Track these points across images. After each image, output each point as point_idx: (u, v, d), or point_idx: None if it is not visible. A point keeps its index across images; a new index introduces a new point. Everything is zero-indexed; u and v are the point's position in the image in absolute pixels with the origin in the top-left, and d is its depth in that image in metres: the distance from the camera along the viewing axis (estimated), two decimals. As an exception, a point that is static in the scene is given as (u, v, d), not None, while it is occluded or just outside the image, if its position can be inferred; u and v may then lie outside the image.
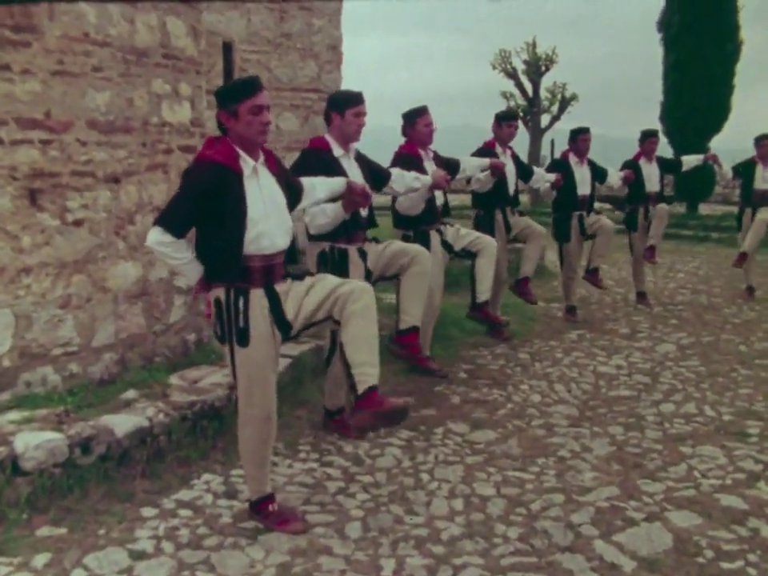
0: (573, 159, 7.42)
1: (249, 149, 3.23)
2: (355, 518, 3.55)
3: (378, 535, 3.41)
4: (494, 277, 6.20)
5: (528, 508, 3.68)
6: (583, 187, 7.42)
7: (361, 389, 3.16)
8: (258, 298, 3.21)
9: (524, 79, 20.63)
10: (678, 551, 3.30)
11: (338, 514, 3.58)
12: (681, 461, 4.24)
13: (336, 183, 3.88)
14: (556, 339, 6.90)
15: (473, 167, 6.02)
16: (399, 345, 4.49)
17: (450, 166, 5.69)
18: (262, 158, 3.30)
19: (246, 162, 3.22)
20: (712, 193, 17.18)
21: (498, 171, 6.12)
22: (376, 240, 4.48)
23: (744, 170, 8.82)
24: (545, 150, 21.25)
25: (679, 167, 8.65)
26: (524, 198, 7.31)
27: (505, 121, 6.71)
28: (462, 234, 5.61)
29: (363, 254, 4.35)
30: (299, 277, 3.38)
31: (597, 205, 8.01)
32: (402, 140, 5.61)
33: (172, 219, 3.13)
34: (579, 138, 7.41)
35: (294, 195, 3.53)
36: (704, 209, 17.03)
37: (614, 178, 7.81)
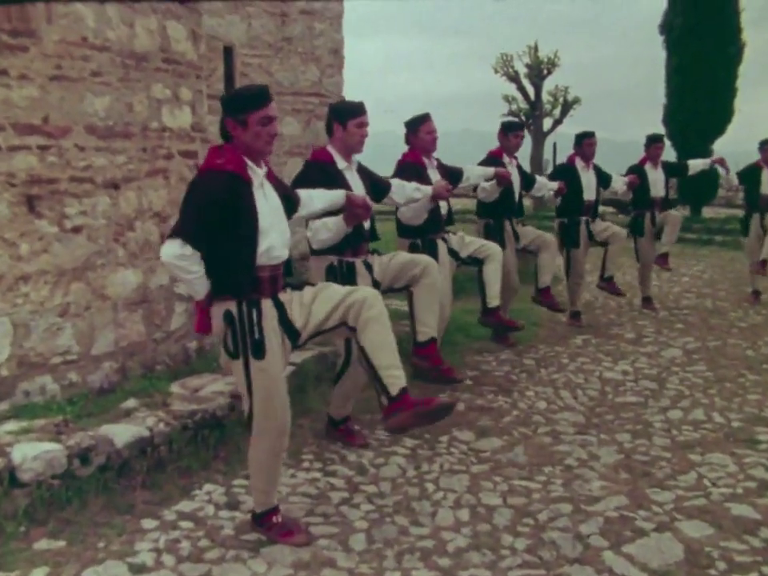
0: (579, 164, 7.36)
1: (255, 159, 3.20)
2: (359, 530, 3.48)
3: (382, 547, 3.34)
4: (504, 285, 6.19)
5: (535, 518, 3.61)
6: (589, 192, 7.37)
7: (394, 391, 3.22)
8: (268, 309, 3.18)
9: (526, 82, 20.58)
10: (689, 563, 3.22)
11: (341, 526, 3.51)
12: (690, 469, 4.17)
13: (335, 195, 3.82)
14: (561, 345, 6.83)
15: (476, 176, 5.96)
16: (420, 357, 4.45)
17: (453, 175, 5.64)
18: (265, 168, 3.27)
19: (255, 172, 3.19)
20: (715, 196, 17.13)
21: (504, 181, 6.05)
22: (377, 252, 4.44)
23: (749, 175, 8.76)
24: (547, 154, 21.22)
25: (685, 171, 8.58)
26: (526, 203, 7.25)
27: (511, 131, 6.65)
28: (467, 241, 5.58)
29: (368, 267, 4.32)
30: (298, 286, 3.38)
31: (600, 208, 7.93)
32: (402, 143, 5.55)
33: (191, 230, 3.04)
34: (585, 143, 7.35)
35: (290, 206, 3.49)
36: (707, 212, 16.98)
37: (619, 183, 7.74)
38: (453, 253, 5.51)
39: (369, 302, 3.23)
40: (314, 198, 3.70)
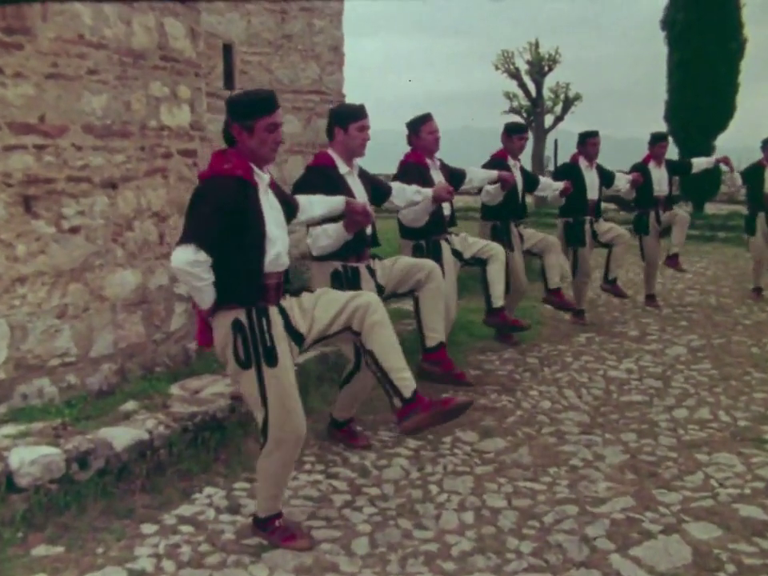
0: (583, 163, 7.30)
1: (259, 165, 3.16)
2: (362, 533, 3.43)
3: (386, 551, 3.28)
4: (513, 288, 6.15)
5: (541, 521, 3.55)
6: (592, 192, 7.32)
7: (407, 393, 3.29)
8: (275, 316, 3.16)
9: (527, 79, 20.52)
10: (697, 566, 3.17)
11: (344, 529, 3.46)
12: (697, 469, 4.11)
13: (334, 202, 3.76)
14: (564, 343, 6.77)
15: (480, 179, 5.91)
16: (431, 362, 4.41)
17: (456, 177, 5.59)
18: (269, 175, 3.23)
19: (261, 177, 3.16)
20: (718, 192, 17.05)
21: (507, 185, 5.98)
22: (378, 257, 4.40)
23: (752, 175, 8.70)
24: (548, 151, 21.16)
25: (689, 170, 8.52)
26: (528, 200, 7.17)
27: (516, 133, 6.60)
28: (469, 242, 5.54)
29: (371, 271, 4.29)
30: (296, 292, 3.36)
31: (602, 205, 7.87)
32: (402, 142, 5.49)
33: (204, 236, 2.96)
34: (588, 142, 7.30)
35: (289, 211, 3.45)
36: (710, 208, 16.91)
37: (622, 181, 7.67)
38: (456, 253, 5.46)
39: (372, 307, 3.26)
40: (313, 204, 3.65)
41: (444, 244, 5.33)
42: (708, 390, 5.45)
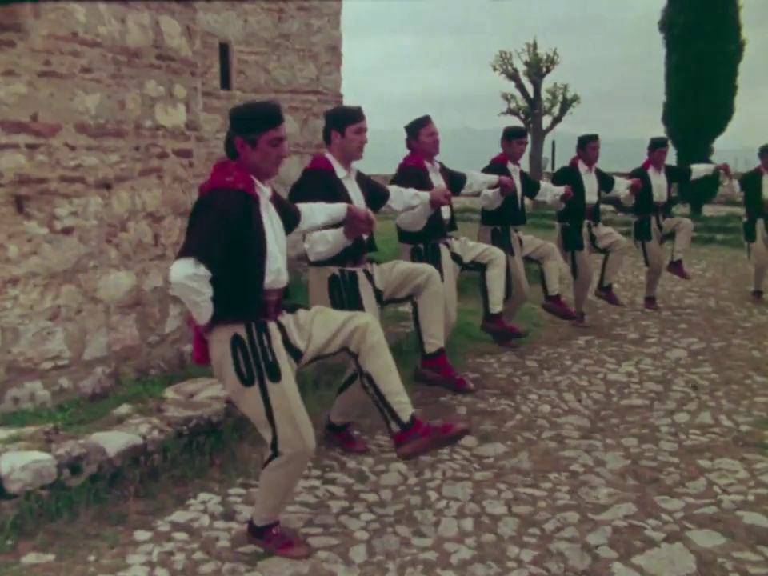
0: (582, 167, 7.25)
1: (261, 178, 3.10)
2: (360, 541, 3.36)
3: (384, 559, 3.22)
4: (514, 294, 6.08)
5: (541, 528, 3.49)
6: (591, 196, 7.27)
7: (405, 417, 3.25)
8: (275, 331, 3.10)
9: (525, 80, 20.45)
10: (702, 575, 3.11)
11: (341, 537, 3.39)
12: (699, 475, 4.05)
13: (336, 209, 3.69)
14: (564, 346, 6.71)
15: (480, 183, 5.83)
16: (431, 368, 4.36)
17: (456, 181, 5.52)
18: (270, 188, 3.17)
19: (262, 191, 3.10)
20: (716, 194, 17.01)
21: (507, 190, 5.91)
22: (375, 261, 4.34)
23: (750, 182, 8.66)
24: (546, 152, 21.10)
25: (688, 176, 8.45)
26: (525, 202, 7.10)
27: (515, 138, 6.52)
28: (469, 246, 5.47)
29: (369, 276, 4.23)
30: (292, 309, 3.29)
31: (600, 207, 7.81)
32: (400, 143, 5.43)
33: (204, 249, 2.88)
34: (588, 146, 7.25)
35: (291, 221, 3.39)
36: (708, 210, 16.87)
37: (622, 186, 7.60)
38: (456, 258, 5.39)
39: (371, 328, 3.23)
40: (315, 212, 3.59)
41: (443, 248, 5.26)
42: (709, 393, 5.40)
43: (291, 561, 3.18)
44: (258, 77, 7.88)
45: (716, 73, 15.49)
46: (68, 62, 4.01)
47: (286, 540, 3.26)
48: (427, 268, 4.30)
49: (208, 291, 2.94)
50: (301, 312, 3.29)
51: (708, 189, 16.21)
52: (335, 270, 4.11)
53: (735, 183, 8.82)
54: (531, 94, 20.55)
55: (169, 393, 4.33)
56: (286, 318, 3.21)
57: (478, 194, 6.25)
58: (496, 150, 6.68)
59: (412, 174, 5.07)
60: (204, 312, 2.98)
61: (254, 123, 3.01)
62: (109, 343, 4.40)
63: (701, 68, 15.45)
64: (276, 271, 3.10)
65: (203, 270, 2.87)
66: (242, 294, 3.02)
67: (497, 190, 5.89)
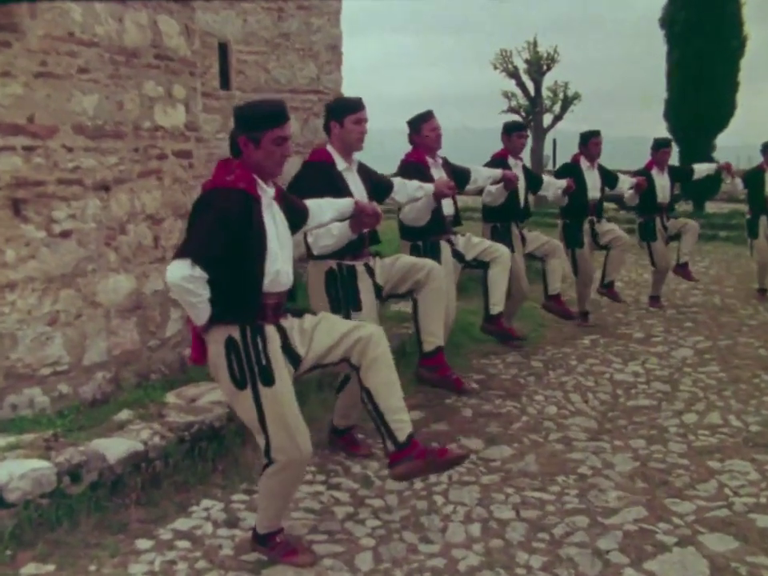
0: (584, 164, 7.18)
1: (264, 178, 3.03)
2: (366, 548, 3.30)
3: (390, 567, 3.16)
4: (514, 292, 5.99)
5: (550, 533, 3.43)
6: (594, 192, 7.19)
7: (402, 437, 3.11)
8: (272, 334, 3.01)
9: (525, 78, 20.38)
10: (715, 580, 3.05)
11: (347, 544, 3.33)
12: (710, 477, 3.99)
13: (343, 205, 3.64)
14: (569, 346, 6.64)
15: (484, 178, 5.74)
16: (427, 368, 4.26)
17: (461, 176, 5.43)
18: (273, 188, 3.10)
19: (265, 191, 3.02)
20: (718, 191, 16.93)
21: (511, 184, 5.83)
22: (379, 255, 4.26)
23: (753, 179, 8.60)
24: (547, 150, 21.02)
25: (691, 176, 8.38)
26: (528, 197, 7.02)
27: (515, 131, 6.47)
28: (473, 242, 5.36)
29: (370, 270, 4.14)
30: (298, 313, 3.21)
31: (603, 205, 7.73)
32: (401, 142, 5.36)
33: (201, 250, 2.82)
34: (590, 142, 7.17)
35: (298, 219, 3.33)
36: (710, 207, 16.79)
37: (626, 184, 7.51)
38: (457, 255, 5.30)
39: (375, 340, 3.11)
40: (323, 209, 3.52)
41: (444, 245, 5.16)
42: (717, 393, 5.33)
43: (296, 569, 3.12)
44: (258, 77, 7.82)
45: (717, 69, 15.39)
46: (65, 63, 3.95)
47: (290, 548, 3.20)
48: (429, 263, 4.20)
49: (205, 292, 2.87)
50: (307, 317, 3.21)
51: (710, 186, 16.11)
52: (333, 263, 4.03)
53: (738, 181, 8.76)
54: (532, 92, 20.48)
55: (170, 397, 4.27)
56: (290, 322, 3.13)
57: (481, 191, 6.19)
58: (497, 148, 6.61)
59: (413, 169, 4.99)
60: (201, 313, 2.92)
61: (258, 121, 2.94)
62: (109, 348, 4.34)
63: (702, 65, 15.35)
64: (275, 273, 3.01)
65: (199, 272, 2.80)
66: (238, 296, 2.94)
67: (500, 185, 5.82)
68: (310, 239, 3.91)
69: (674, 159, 8.90)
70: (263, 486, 3.12)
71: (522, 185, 6.36)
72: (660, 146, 8.01)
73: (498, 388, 5.47)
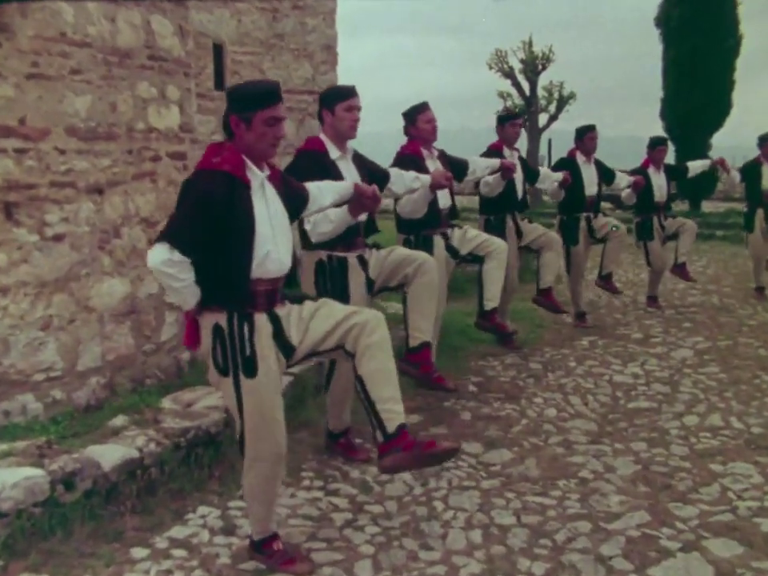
0: (580, 158, 7.13)
1: (256, 160, 2.95)
2: (365, 555, 3.24)
3: (390, 575, 3.11)
4: (504, 285, 5.87)
5: (552, 539, 3.38)
6: (591, 187, 7.14)
7: (391, 427, 2.99)
8: (262, 323, 2.93)
9: (521, 78, 20.34)
10: (721, 587, 3.00)
11: (346, 551, 3.27)
12: (712, 480, 3.94)
13: (343, 187, 3.57)
14: (567, 347, 6.59)
15: (482, 168, 5.66)
16: (410, 363, 4.18)
17: (458, 167, 5.36)
18: (267, 171, 3.02)
19: (255, 174, 2.93)
20: (714, 190, 16.93)
21: (509, 173, 5.77)
22: (377, 246, 4.18)
23: (750, 171, 8.57)
24: (542, 150, 20.99)
25: (686, 173, 8.35)
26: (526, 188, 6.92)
27: (508, 121, 6.45)
28: (469, 236, 5.25)
29: (364, 262, 4.04)
30: (298, 300, 3.12)
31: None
32: (396, 143, 5.30)
33: (180, 234, 2.77)
34: (586, 137, 7.13)
35: (298, 203, 3.25)
36: (707, 206, 16.79)
37: (624, 180, 7.47)
38: (451, 250, 5.20)
39: (370, 326, 2.99)
40: (323, 191, 3.44)
41: (437, 239, 5.07)
42: (718, 394, 5.28)
43: (294, 578, 3.06)
44: (253, 77, 7.74)
45: (712, 68, 15.39)
46: (57, 64, 3.88)
47: (288, 556, 3.14)
48: (421, 256, 4.10)
49: (187, 276, 2.81)
50: (307, 303, 3.11)
51: (706, 185, 16.12)
52: (323, 254, 3.95)
53: (735, 173, 8.72)
54: (527, 91, 20.43)
55: (166, 403, 4.21)
56: (287, 310, 3.04)
57: (476, 186, 6.13)
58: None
59: (408, 161, 4.90)
60: (187, 298, 2.87)
61: (250, 101, 2.87)
62: (103, 353, 4.28)
63: (697, 63, 15.36)
64: (264, 260, 2.90)
65: (178, 256, 2.75)
66: (226, 282, 2.87)
67: (497, 175, 5.76)
68: (307, 226, 3.80)
69: (669, 158, 8.89)
70: (244, 486, 3.10)
71: (519, 176, 6.30)
72: (656, 144, 7.97)
73: (497, 390, 5.42)
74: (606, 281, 7.48)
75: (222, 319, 2.89)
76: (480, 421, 4.83)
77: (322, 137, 4.06)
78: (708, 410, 4.99)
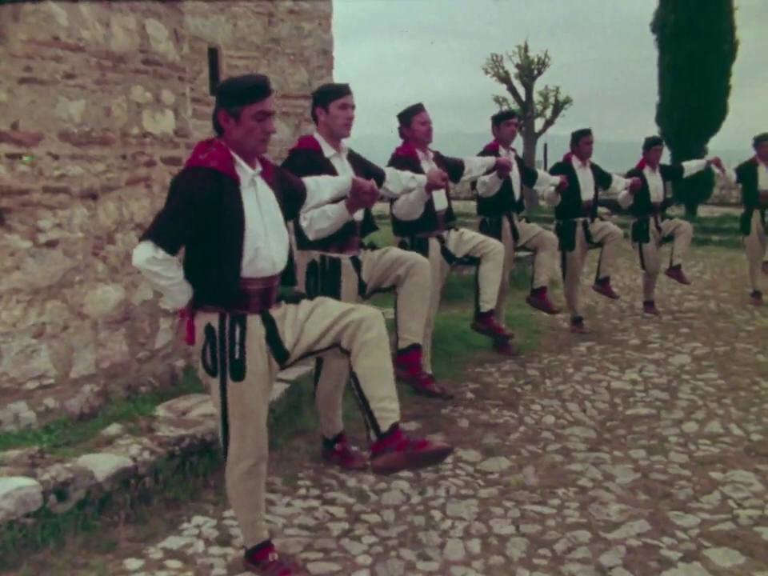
0: (576, 162, 7.10)
1: (246, 156, 2.90)
2: (362, 566, 3.19)
3: (388, 586, 3.06)
4: None
5: (552, 549, 3.33)
6: (587, 192, 7.11)
7: (384, 426, 2.90)
8: (255, 326, 2.88)
9: (516, 83, 20.36)
10: (723, 598, 2.96)
11: (343, 562, 3.23)
12: (713, 488, 3.90)
13: (341, 182, 3.51)
14: (565, 353, 6.56)
15: (478, 167, 5.61)
16: (400, 366, 4.12)
17: (454, 168, 5.32)
18: (259, 168, 2.97)
19: (244, 171, 2.88)
20: (710, 195, 16.94)
21: (505, 171, 5.72)
22: (372, 247, 4.13)
23: (746, 172, 8.56)
24: (538, 155, 21.00)
25: (681, 173, 8.34)
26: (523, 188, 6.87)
27: (503, 120, 6.39)
28: (465, 238, 5.18)
29: (357, 264, 4.00)
30: (294, 300, 3.06)
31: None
32: (392, 148, 5.26)
33: (165, 233, 2.73)
34: (582, 141, 7.10)
35: (296, 199, 3.21)
36: (702, 211, 16.79)
37: (621, 184, 7.44)
38: (446, 253, 5.15)
39: (366, 324, 2.91)
40: (321, 186, 3.40)
41: (433, 242, 5.03)
42: (716, 401, 5.25)
43: (290, 589, 3.02)
44: (249, 82, 7.73)
45: (709, 73, 15.42)
46: (50, 68, 3.84)
47: (283, 567, 3.09)
48: (413, 257, 4.04)
49: (175, 275, 2.78)
50: (303, 303, 3.05)
51: (702, 190, 16.14)
52: (317, 255, 3.91)
53: (731, 173, 8.70)
54: (523, 96, 20.47)
55: (160, 410, 4.16)
56: (282, 310, 2.99)
57: (473, 186, 6.10)
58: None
59: (403, 162, 4.85)
60: (176, 296, 2.84)
61: (238, 95, 2.82)
62: (97, 360, 4.23)
63: (693, 69, 15.38)
64: (255, 258, 2.85)
65: (163, 254, 2.71)
66: (217, 281, 2.83)
67: (494, 174, 5.72)
68: (303, 223, 3.72)
69: (665, 163, 8.85)
70: (228, 490, 3.08)
71: (516, 175, 6.26)
72: (651, 145, 7.97)
73: (495, 397, 5.38)
74: (603, 285, 7.44)
75: (214, 320, 2.85)
76: (478, 428, 4.79)
77: (316, 135, 4.03)
78: (707, 416, 4.96)
